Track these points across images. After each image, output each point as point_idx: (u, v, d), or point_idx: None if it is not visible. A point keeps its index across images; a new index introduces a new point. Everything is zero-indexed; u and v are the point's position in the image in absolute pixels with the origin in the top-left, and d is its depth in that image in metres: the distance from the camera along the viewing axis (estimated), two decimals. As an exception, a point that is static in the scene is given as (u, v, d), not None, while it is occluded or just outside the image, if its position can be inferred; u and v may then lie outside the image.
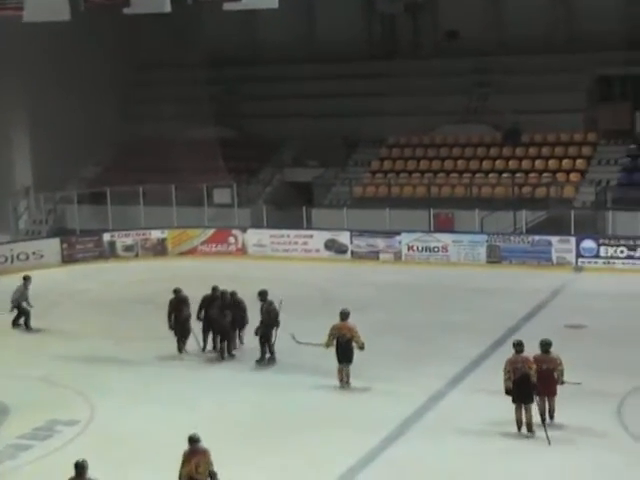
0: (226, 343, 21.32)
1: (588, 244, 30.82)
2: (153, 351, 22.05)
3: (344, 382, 18.89)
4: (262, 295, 20.90)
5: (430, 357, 20.79)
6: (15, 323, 24.97)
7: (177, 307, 22.04)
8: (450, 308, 25.66)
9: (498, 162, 36.89)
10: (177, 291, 22.57)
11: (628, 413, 16.95)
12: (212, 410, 17.79)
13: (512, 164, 36.59)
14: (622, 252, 30.36)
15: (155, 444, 16.06)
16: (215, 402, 18.08)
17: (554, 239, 31.21)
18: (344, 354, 18.90)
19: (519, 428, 16.10)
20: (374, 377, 19.30)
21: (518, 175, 35.66)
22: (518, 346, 16.88)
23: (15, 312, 24.93)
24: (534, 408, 16.07)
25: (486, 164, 36.99)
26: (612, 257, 30.44)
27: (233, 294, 22.08)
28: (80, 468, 12.37)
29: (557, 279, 28.94)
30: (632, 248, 30.24)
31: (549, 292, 27.27)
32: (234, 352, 21.38)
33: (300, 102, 40.66)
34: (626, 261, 30.25)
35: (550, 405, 16.59)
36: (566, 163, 35.98)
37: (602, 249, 30.62)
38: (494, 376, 19.23)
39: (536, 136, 37.38)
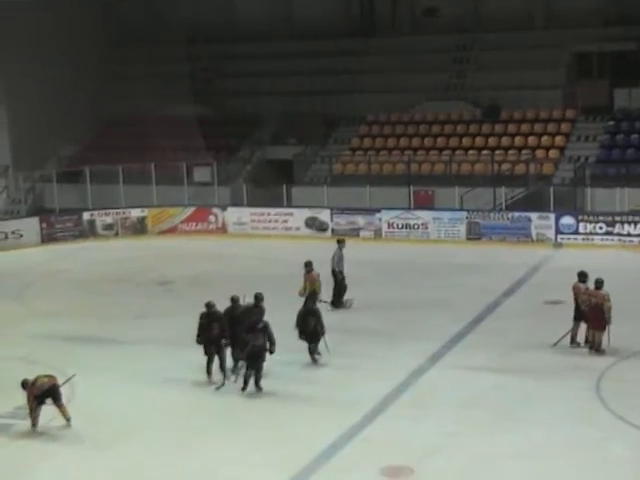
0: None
1: (567, 220, 30.97)
2: (134, 329, 22.05)
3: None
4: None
5: (410, 334, 20.87)
6: None
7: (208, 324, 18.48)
8: (430, 285, 25.76)
9: (477, 139, 36.95)
10: (210, 305, 18.77)
11: (607, 388, 17.09)
12: (194, 387, 17.83)
13: (491, 141, 36.65)
14: (601, 228, 30.52)
15: (137, 422, 16.09)
16: (196, 379, 18.12)
17: (533, 216, 31.34)
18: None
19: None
20: (354, 354, 19.38)
21: (497, 152, 35.72)
22: (582, 276, 19.58)
23: None
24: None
25: (465, 141, 37.04)
26: (591, 233, 30.59)
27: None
28: None
29: (536, 255, 29.08)
30: (611, 224, 30.40)
31: (528, 268, 27.40)
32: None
33: (279, 80, 40.58)
34: (605, 237, 30.41)
35: (597, 338, 18.90)
36: (545, 140, 36.07)
37: (581, 225, 30.77)
38: (473, 352, 19.44)
39: (515, 113, 37.44)
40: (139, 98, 38.76)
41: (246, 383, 17.30)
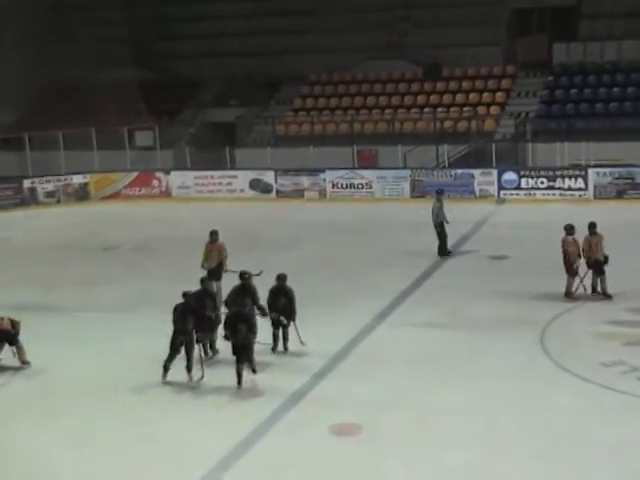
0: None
1: (509, 176, 31.27)
2: (80, 297, 21.90)
3: None
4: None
5: (357, 293, 20.97)
6: None
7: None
8: (375, 244, 25.89)
9: (420, 97, 37.07)
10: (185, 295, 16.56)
11: (551, 340, 17.37)
12: (141, 353, 17.76)
13: (433, 99, 36.79)
14: (542, 183, 30.87)
15: (86, 388, 16.04)
16: (144, 344, 18.04)
17: (476, 172, 31.60)
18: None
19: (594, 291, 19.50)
20: (302, 315, 19.42)
21: (439, 110, 35.90)
22: (593, 227, 19.63)
23: None
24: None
25: (408, 99, 37.14)
26: (533, 188, 30.94)
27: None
28: None
29: (480, 211, 29.34)
30: (552, 179, 30.76)
31: (472, 225, 27.65)
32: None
33: (220, 41, 40.31)
34: (546, 192, 30.78)
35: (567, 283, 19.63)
36: (486, 97, 36.30)
37: (523, 181, 31.10)
38: (421, 309, 19.62)
39: (456, 70, 37.62)
40: (78, 62, 38.20)
41: (240, 377, 15.56)
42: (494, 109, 35.81)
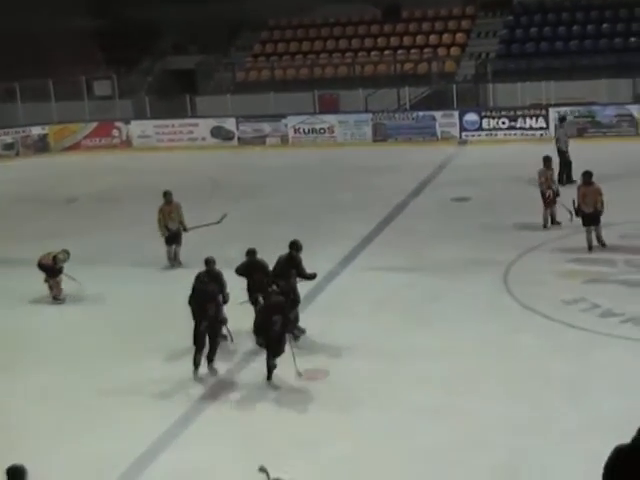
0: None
1: (471, 117, 31.29)
2: (44, 250, 21.68)
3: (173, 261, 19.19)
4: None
5: (320, 238, 20.91)
6: None
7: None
8: (339, 189, 25.87)
9: (380, 40, 36.87)
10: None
11: (514, 280, 17.52)
12: (98, 303, 17.68)
13: (393, 41, 36.61)
14: (504, 123, 30.94)
15: (43, 339, 15.98)
16: (101, 294, 17.96)
17: (438, 114, 31.59)
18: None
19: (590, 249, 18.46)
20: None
21: (400, 52, 35.75)
22: (587, 177, 18.71)
23: None
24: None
25: (368, 42, 36.94)
26: (494, 129, 31.01)
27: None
28: None
29: (442, 153, 29.39)
30: (513, 119, 30.83)
31: (435, 167, 27.70)
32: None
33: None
34: (508, 132, 30.87)
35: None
36: (446, 38, 36.17)
37: (484, 121, 31.14)
38: (384, 253, 19.69)
39: (416, 12, 37.39)
40: (34, 11, 37.50)
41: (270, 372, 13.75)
42: (454, 50, 35.72)
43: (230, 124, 33.64)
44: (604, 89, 30.81)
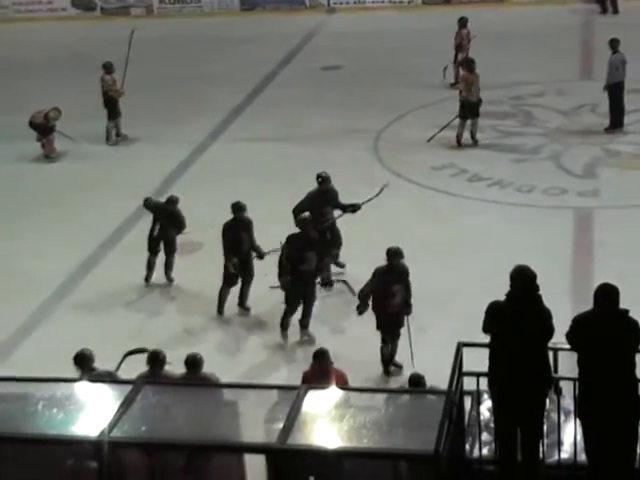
0: None
1: (339, -16, 30.85)
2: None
3: None
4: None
5: (191, 111, 20.63)
6: None
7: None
8: (207, 59, 25.30)
9: None
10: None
11: (384, 148, 17.68)
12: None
13: None
14: (373, -10, 30.60)
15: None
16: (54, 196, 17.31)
17: (305, -19, 31.04)
18: None
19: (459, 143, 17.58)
20: (138, 137, 19.09)
21: None
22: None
23: None
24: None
25: None
26: (363, -4, 30.66)
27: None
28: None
29: (310, 22, 28.98)
30: (383, -14, 30.48)
31: (303, 36, 27.34)
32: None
33: None
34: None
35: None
36: None
37: (353, -12, 30.74)
38: (255, 123, 19.56)
39: None
40: None
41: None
42: None
43: (92, -7, 32.39)
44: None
